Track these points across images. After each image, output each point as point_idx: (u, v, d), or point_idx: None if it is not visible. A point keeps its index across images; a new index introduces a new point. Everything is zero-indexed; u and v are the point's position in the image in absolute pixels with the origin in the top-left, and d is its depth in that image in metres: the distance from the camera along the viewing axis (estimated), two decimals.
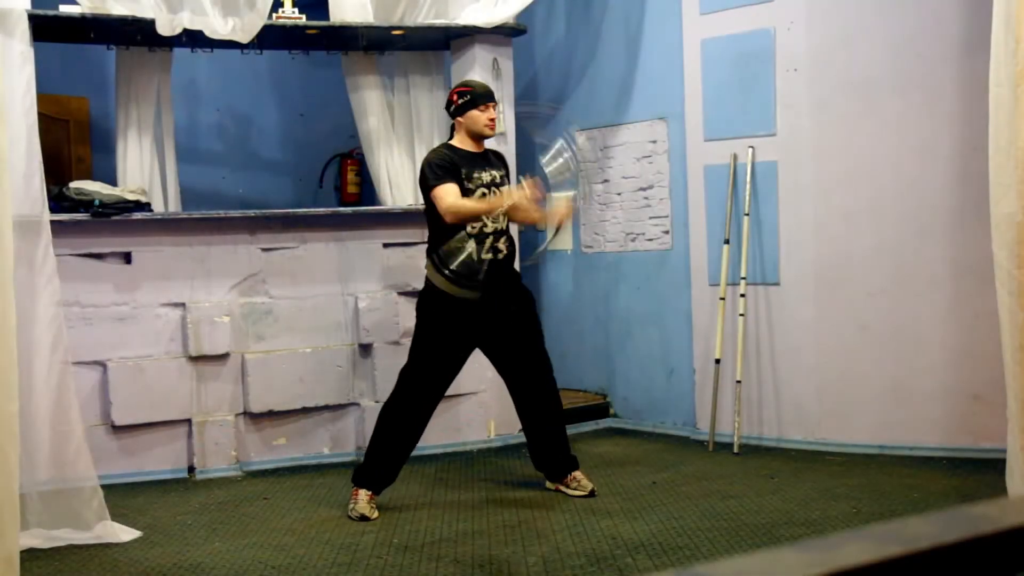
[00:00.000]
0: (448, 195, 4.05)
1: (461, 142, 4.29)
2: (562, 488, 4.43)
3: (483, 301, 4.18)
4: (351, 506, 4.18)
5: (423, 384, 4.23)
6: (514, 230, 4.98)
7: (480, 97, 4.24)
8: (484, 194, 4.18)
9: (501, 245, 4.22)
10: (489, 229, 4.18)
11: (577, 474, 4.44)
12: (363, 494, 4.19)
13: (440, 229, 4.16)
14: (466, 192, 4.13)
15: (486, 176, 4.23)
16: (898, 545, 0.74)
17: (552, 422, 4.46)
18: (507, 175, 4.41)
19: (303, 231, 5.23)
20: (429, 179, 4.11)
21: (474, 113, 4.23)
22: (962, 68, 4.79)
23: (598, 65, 6.12)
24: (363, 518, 4.11)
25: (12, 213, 3.81)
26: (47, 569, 3.57)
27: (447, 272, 4.13)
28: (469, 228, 4.13)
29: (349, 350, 5.26)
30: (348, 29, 5.22)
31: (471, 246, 4.13)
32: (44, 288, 3.93)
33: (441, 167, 4.13)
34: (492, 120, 4.26)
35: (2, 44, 4.12)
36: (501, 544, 3.76)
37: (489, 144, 4.49)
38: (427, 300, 4.25)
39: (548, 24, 6.42)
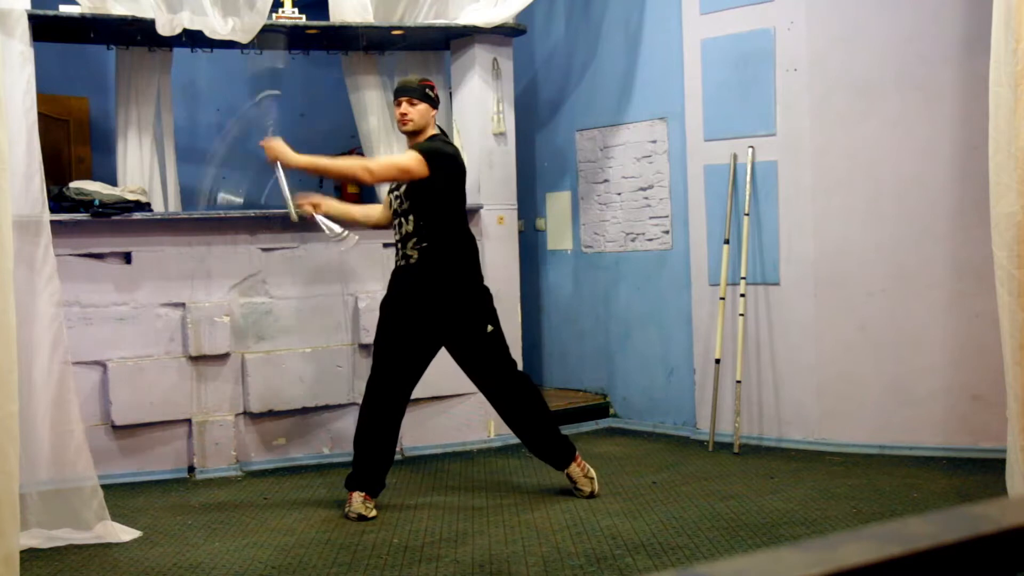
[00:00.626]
0: None
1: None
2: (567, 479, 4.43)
3: (406, 304, 4.21)
4: (347, 508, 4.18)
5: (371, 379, 4.26)
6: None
7: (394, 94, 4.35)
8: (390, 203, 4.34)
9: (410, 249, 4.19)
10: (396, 237, 4.28)
11: (573, 472, 4.39)
12: (356, 495, 4.18)
13: None
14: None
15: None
16: (898, 545, 0.74)
17: (523, 421, 4.40)
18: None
19: (303, 231, 5.23)
20: None
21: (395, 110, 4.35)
22: (962, 68, 4.79)
23: (598, 65, 6.12)
24: (361, 517, 4.11)
25: (12, 213, 3.82)
26: (47, 569, 3.57)
27: None
28: (393, 233, 4.33)
29: (349, 350, 5.26)
30: (348, 29, 5.23)
31: (394, 250, 4.32)
32: (44, 288, 3.93)
33: None
34: (401, 115, 4.26)
35: (2, 44, 4.12)
36: (501, 544, 3.76)
37: (485, 143, 4.50)
38: None
39: (548, 24, 6.42)
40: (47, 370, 3.90)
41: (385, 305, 4.32)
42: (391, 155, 4.25)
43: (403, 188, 4.22)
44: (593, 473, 4.41)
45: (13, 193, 3.91)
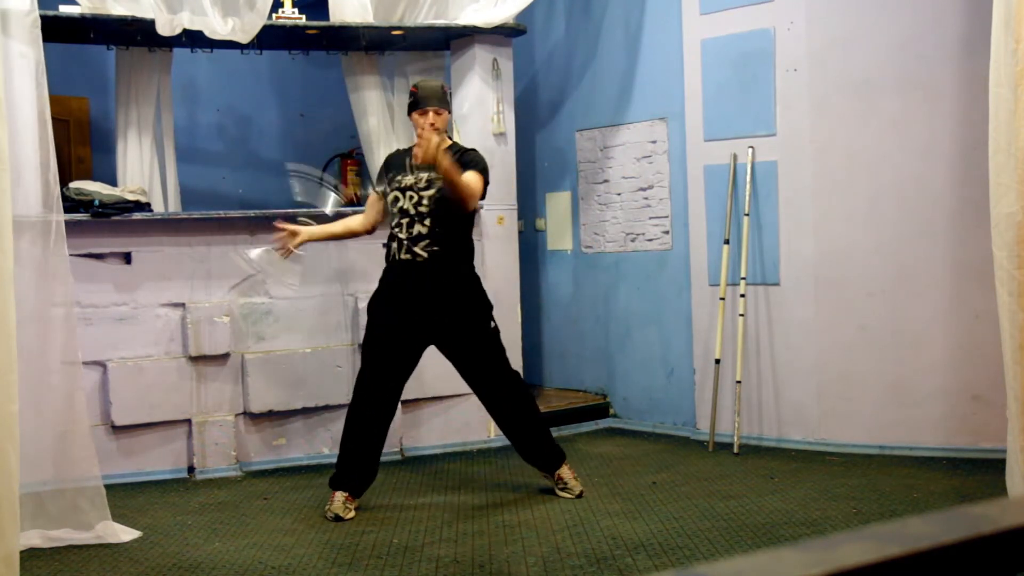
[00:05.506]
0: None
1: (413, 141, 4.34)
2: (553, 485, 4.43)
3: (406, 301, 4.18)
4: (326, 507, 4.17)
5: (363, 378, 4.23)
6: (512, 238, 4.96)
7: (420, 100, 4.24)
8: (397, 199, 4.21)
9: (419, 250, 4.14)
10: (403, 235, 4.17)
11: (563, 473, 4.41)
12: (339, 495, 4.17)
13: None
14: (387, 195, 4.28)
15: (408, 179, 4.21)
16: (898, 545, 0.74)
17: (517, 424, 4.40)
18: (463, 167, 4.15)
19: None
20: None
21: (414, 116, 4.27)
22: (962, 68, 4.79)
23: (598, 65, 6.12)
24: (337, 518, 4.10)
25: (23, 213, 3.81)
26: (47, 569, 3.57)
27: (384, 268, 4.30)
28: (393, 228, 4.22)
29: (349, 350, 5.26)
30: (348, 29, 5.22)
31: (393, 245, 4.22)
32: (54, 288, 3.91)
33: (378, 174, 4.44)
34: (431, 125, 4.17)
35: (4, 45, 4.11)
36: (501, 544, 3.76)
37: (485, 143, 4.49)
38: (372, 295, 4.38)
39: (548, 24, 6.42)
40: (50, 370, 3.90)
41: (381, 304, 4.26)
42: (470, 177, 4.10)
43: (430, 191, 4.16)
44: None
45: (25, 192, 3.91)
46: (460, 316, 4.23)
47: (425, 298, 4.17)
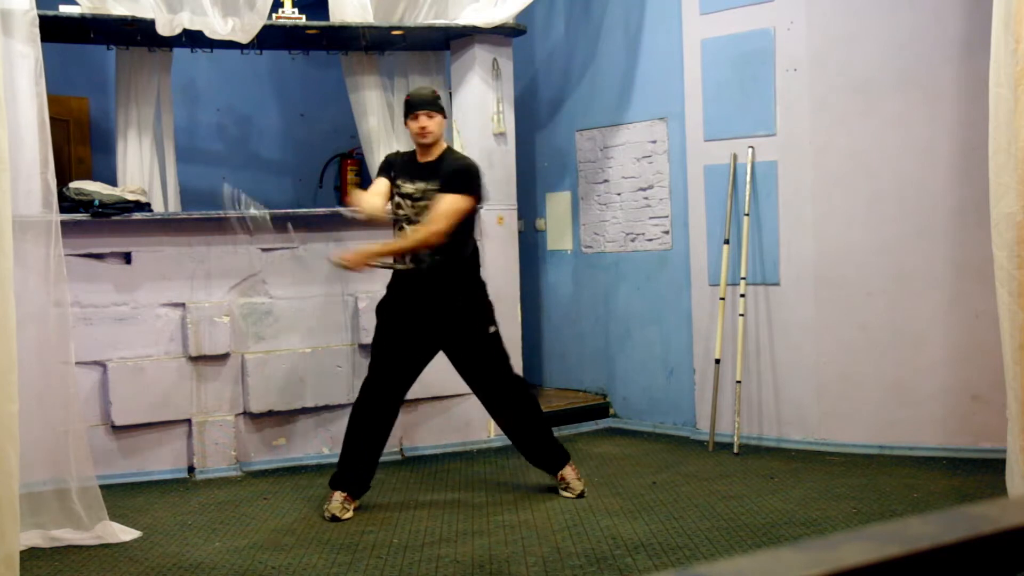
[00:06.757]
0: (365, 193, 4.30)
1: (413, 146, 4.34)
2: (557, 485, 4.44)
3: (406, 306, 4.23)
4: (325, 506, 4.18)
5: (368, 381, 4.28)
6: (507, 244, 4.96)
7: (410, 106, 4.23)
8: (398, 204, 4.21)
9: (422, 257, 4.15)
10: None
11: (566, 473, 4.42)
12: (337, 495, 4.18)
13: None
14: (392, 197, 4.26)
15: (409, 187, 4.19)
16: (898, 545, 0.74)
17: (519, 427, 4.43)
18: (446, 187, 4.14)
19: (303, 231, 5.23)
20: None
21: (407, 123, 4.25)
22: (962, 68, 4.79)
23: (598, 65, 6.12)
24: (335, 518, 4.11)
25: (23, 213, 3.81)
26: (47, 569, 3.57)
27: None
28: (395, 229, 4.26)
29: (349, 350, 5.26)
30: (348, 29, 5.22)
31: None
32: (51, 288, 3.91)
33: (380, 165, 4.39)
34: (421, 128, 4.17)
35: (4, 44, 4.11)
36: (501, 544, 3.76)
37: (485, 143, 4.50)
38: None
39: (548, 24, 6.42)
40: (48, 370, 3.90)
41: (387, 309, 4.30)
42: (442, 205, 4.07)
43: (425, 201, 4.14)
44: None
45: (25, 192, 3.90)
46: (459, 321, 4.25)
47: (428, 306, 4.21)
